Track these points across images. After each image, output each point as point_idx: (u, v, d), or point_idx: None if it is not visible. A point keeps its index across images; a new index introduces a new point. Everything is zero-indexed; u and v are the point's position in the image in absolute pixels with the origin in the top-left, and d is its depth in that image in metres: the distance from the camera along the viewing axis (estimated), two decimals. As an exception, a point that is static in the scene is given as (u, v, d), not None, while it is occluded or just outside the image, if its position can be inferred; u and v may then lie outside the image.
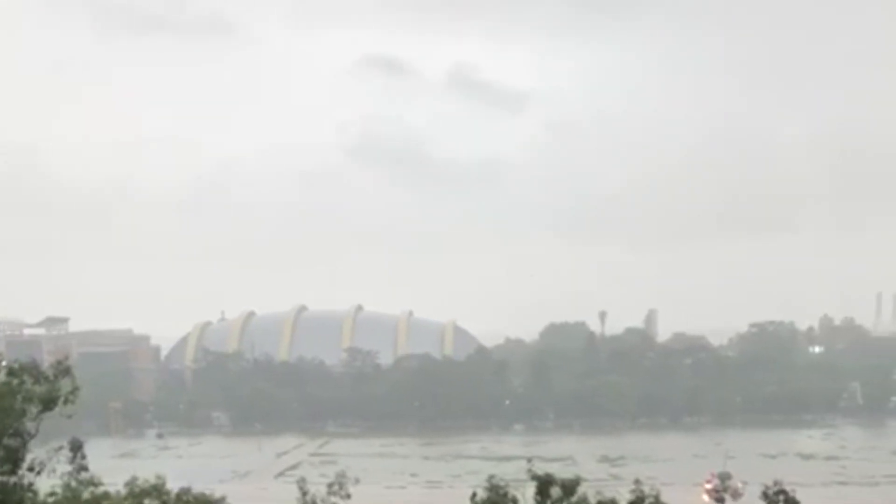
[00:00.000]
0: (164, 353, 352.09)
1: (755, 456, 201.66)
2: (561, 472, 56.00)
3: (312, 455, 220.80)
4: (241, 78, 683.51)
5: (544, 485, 53.25)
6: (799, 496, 59.76)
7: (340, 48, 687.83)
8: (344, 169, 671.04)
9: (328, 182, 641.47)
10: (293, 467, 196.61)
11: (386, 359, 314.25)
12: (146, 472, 57.69)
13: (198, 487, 60.63)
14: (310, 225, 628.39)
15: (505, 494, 53.27)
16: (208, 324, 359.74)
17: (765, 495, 59.44)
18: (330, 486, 57.93)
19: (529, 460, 56.48)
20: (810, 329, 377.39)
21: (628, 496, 55.47)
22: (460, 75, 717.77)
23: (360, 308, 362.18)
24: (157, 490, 57.03)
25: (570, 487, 53.49)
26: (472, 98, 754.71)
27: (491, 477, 54.45)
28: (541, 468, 53.47)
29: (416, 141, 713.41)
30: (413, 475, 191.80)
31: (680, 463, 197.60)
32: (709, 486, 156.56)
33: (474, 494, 53.85)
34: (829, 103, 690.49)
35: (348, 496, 57.86)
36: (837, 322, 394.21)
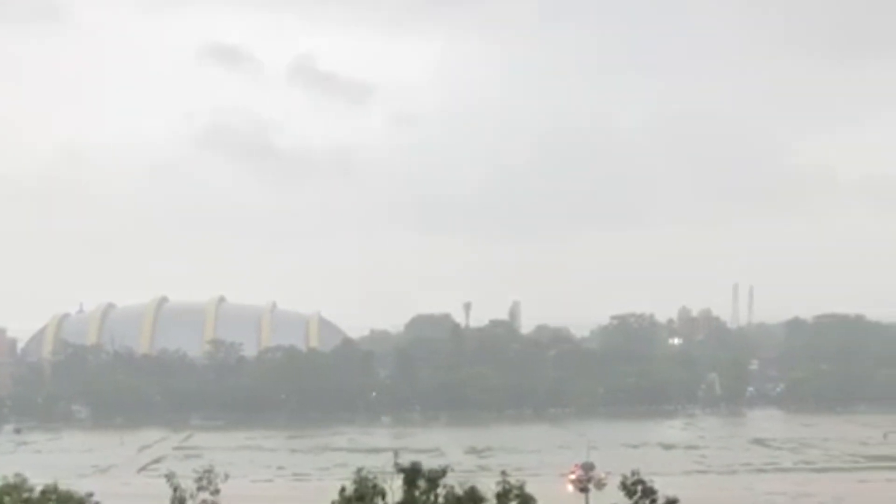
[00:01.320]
0: (20, 345, 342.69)
1: (618, 446, 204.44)
2: (428, 463, 55.69)
3: (176, 449, 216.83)
4: (82, 66, 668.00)
5: (410, 476, 52.99)
6: (661, 485, 60.48)
7: (182, 37, 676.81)
8: (195, 160, 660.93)
9: (180, 173, 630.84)
10: (157, 461, 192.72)
11: (250, 351, 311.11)
12: (3, 469, 55.30)
13: (58, 483, 58.52)
14: (165, 216, 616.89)
15: (373, 487, 52.82)
16: (66, 315, 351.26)
17: (623, 485, 60.17)
18: (199, 480, 56.65)
19: (396, 452, 56.06)
20: (670, 321, 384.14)
21: (495, 487, 55.39)
22: (305, 66, 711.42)
23: (222, 299, 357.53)
24: (18, 489, 54.97)
25: (435, 478, 53.29)
26: (318, 89, 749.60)
27: (359, 469, 53.95)
28: (408, 460, 53.09)
29: (264, 132, 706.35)
30: (280, 468, 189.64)
31: (545, 454, 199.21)
32: (573, 477, 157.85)
33: (343, 489, 53.20)
34: (685, 96, 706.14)
35: (217, 491, 56.68)
36: (695, 314, 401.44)
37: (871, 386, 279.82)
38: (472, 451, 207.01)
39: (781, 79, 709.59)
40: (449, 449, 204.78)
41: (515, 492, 55.88)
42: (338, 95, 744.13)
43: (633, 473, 60.40)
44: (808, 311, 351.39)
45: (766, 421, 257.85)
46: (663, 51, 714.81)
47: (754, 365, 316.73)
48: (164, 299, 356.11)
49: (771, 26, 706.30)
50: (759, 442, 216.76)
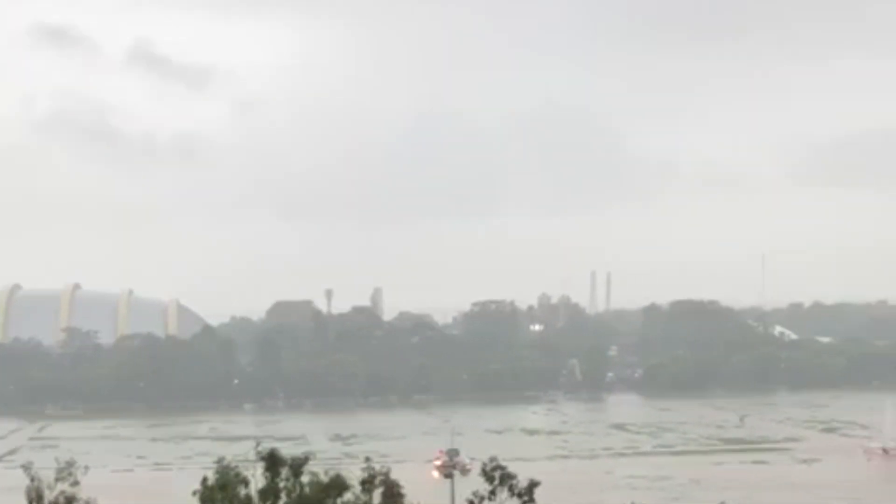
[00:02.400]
0: None
1: (482, 432, 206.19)
2: (293, 451, 55.16)
3: (32, 439, 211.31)
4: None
5: (273, 464, 52.41)
6: (525, 470, 61.12)
7: (14, 17, 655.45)
8: (37, 144, 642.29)
9: (22, 157, 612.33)
10: (11, 452, 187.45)
11: (107, 339, 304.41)
12: None
13: None
14: (11, 202, 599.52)
15: (236, 475, 52.00)
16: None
17: (483, 472, 60.58)
18: (60, 471, 54.90)
19: (258, 440, 55.48)
20: (530, 308, 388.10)
21: (360, 474, 55.15)
22: (146, 50, 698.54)
23: (77, 286, 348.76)
24: None
25: (298, 466, 52.80)
26: (161, 73, 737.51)
27: (220, 458, 52.96)
28: (272, 448, 52.42)
29: (106, 117, 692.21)
30: (140, 458, 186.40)
31: (410, 440, 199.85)
32: (438, 463, 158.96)
33: (205, 478, 52.25)
34: (539, 89, 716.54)
35: (76, 483, 54.98)
36: (555, 300, 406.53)
37: (726, 370, 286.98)
38: (337, 438, 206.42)
39: (630, 72, 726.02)
40: (314, 436, 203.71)
41: (380, 478, 55.79)
42: (182, 79, 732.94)
43: (492, 459, 61.14)
44: (663, 297, 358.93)
45: (625, 406, 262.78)
46: (519, 43, 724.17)
47: (613, 351, 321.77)
48: (16, 287, 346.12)
49: (619, 22, 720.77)
50: (619, 426, 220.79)
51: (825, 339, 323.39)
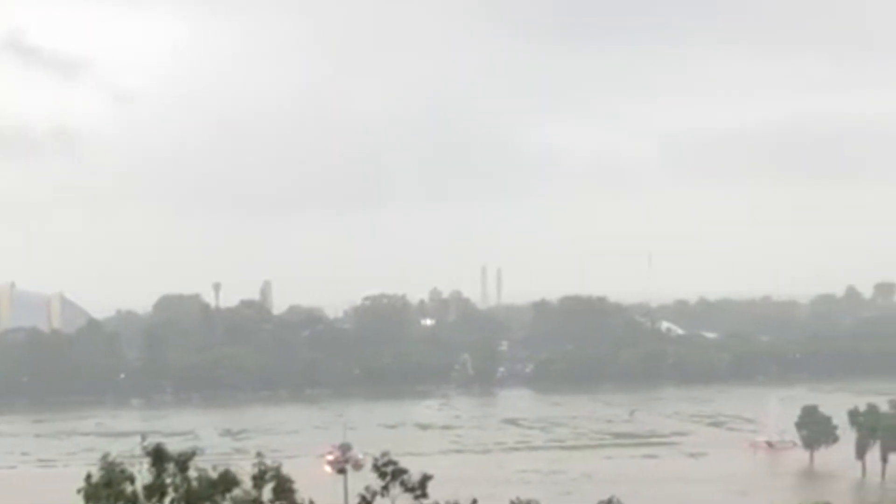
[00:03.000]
0: None
1: (375, 427, 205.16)
2: (182, 446, 53.79)
3: None
4: None
5: (159, 460, 51.17)
6: (418, 465, 60.63)
7: None
8: None
9: None
10: None
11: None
12: None
13: None
14: None
15: (121, 472, 50.66)
16: None
17: (375, 466, 60.24)
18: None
19: (144, 436, 54.18)
20: (421, 302, 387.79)
21: (251, 469, 54.19)
22: (17, 40, 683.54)
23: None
24: None
25: (184, 461, 51.64)
26: (35, 65, 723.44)
27: (106, 455, 51.52)
28: (161, 444, 51.18)
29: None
30: (24, 454, 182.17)
31: (303, 435, 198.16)
32: (330, 458, 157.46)
33: (89, 475, 50.73)
34: (425, 81, 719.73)
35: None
36: (446, 295, 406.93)
37: (615, 366, 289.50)
38: (228, 433, 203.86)
39: (517, 67, 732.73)
40: (204, 431, 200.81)
41: (271, 473, 55.02)
42: (60, 71, 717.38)
43: (384, 454, 60.86)
44: (553, 292, 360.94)
45: (517, 400, 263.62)
46: (406, 37, 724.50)
47: (504, 346, 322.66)
48: None
49: (508, 18, 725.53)
50: (511, 421, 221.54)
51: (711, 335, 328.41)
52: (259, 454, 56.89)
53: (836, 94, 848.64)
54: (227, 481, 52.81)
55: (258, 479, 54.67)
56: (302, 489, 57.91)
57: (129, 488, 50.73)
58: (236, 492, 53.01)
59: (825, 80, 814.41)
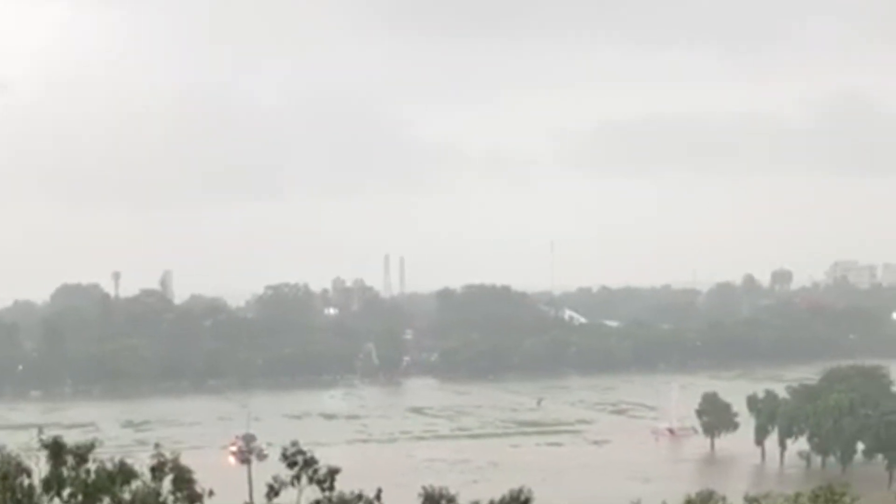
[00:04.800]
0: None
1: (280, 417, 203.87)
2: (82, 438, 52.52)
3: None
4: None
5: (56, 452, 49.94)
6: (324, 455, 60.04)
7: None
8: None
9: None
10: None
11: None
12: None
13: None
14: None
15: (17, 465, 49.31)
16: None
17: (284, 456, 59.43)
18: None
19: (41, 428, 52.78)
20: (324, 291, 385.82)
21: (150, 461, 53.15)
22: None
23: None
24: None
25: (83, 454, 50.41)
26: None
27: (2, 447, 50.24)
28: (61, 436, 50.13)
29: None
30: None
31: (206, 426, 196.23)
32: (234, 449, 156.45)
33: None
34: (322, 72, 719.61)
35: None
36: (350, 284, 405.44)
37: (519, 354, 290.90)
38: (129, 424, 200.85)
39: (412, 59, 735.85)
40: (104, 423, 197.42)
41: (170, 465, 53.97)
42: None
43: (293, 444, 60.12)
44: (457, 281, 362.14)
45: (422, 389, 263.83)
46: (299, 27, 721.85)
47: (409, 334, 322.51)
48: None
49: (402, 7, 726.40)
50: (417, 410, 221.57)
51: (613, 323, 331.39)
52: (157, 445, 55.59)
53: (725, 86, 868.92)
54: (125, 473, 51.78)
55: (157, 471, 53.66)
56: (205, 480, 56.99)
57: (25, 482, 49.46)
58: (135, 484, 51.97)
59: (713, 72, 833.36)
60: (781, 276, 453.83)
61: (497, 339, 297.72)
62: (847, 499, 59.21)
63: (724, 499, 60.53)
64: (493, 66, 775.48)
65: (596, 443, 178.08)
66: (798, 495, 59.50)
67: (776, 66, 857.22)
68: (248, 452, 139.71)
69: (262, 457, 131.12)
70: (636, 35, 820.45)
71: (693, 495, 61.33)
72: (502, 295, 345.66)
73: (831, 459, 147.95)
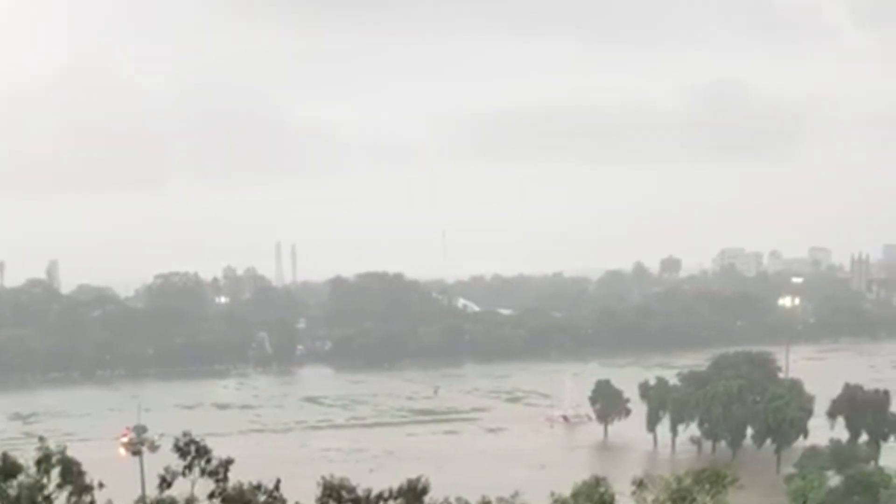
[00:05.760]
0: None
1: (172, 407, 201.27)
2: None
3: None
4: None
5: None
6: (218, 445, 59.57)
7: None
8: None
9: None
10: None
11: None
12: None
13: None
14: None
15: None
16: None
17: (176, 447, 58.89)
18: None
19: None
20: (215, 280, 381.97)
21: (36, 454, 52.21)
22: None
23: None
24: None
25: None
26: None
27: None
28: None
29: None
30: None
31: (96, 417, 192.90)
32: (125, 440, 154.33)
33: None
34: (203, 63, 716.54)
35: None
36: (241, 273, 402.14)
37: (413, 342, 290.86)
38: (17, 417, 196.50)
39: (295, 47, 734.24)
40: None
41: (57, 457, 53.04)
42: None
43: (185, 434, 59.64)
44: (349, 269, 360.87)
45: (317, 378, 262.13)
46: (180, 15, 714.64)
47: (302, 323, 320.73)
48: None
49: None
50: (311, 399, 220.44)
51: (506, 311, 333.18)
52: (41, 438, 54.90)
53: (605, 76, 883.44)
54: (10, 467, 50.73)
55: (42, 464, 52.70)
56: (96, 473, 56.05)
57: None
58: (21, 478, 50.94)
59: (591, 62, 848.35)
60: (670, 264, 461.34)
61: (391, 327, 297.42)
62: (728, 479, 60.52)
63: (609, 485, 61.26)
64: (373, 55, 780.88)
65: (492, 431, 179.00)
66: (681, 478, 60.55)
67: (655, 55, 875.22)
68: (139, 444, 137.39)
69: (154, 448, 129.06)
70: (512, 24, 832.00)
71: (582, 482, 61.91)
72: (395, 283, 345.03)
73: (722, 445, 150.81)
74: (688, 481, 60.80)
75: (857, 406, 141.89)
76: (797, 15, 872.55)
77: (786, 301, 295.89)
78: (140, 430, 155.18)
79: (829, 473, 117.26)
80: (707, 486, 60.47)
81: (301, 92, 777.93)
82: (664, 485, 60.90)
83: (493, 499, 61.71)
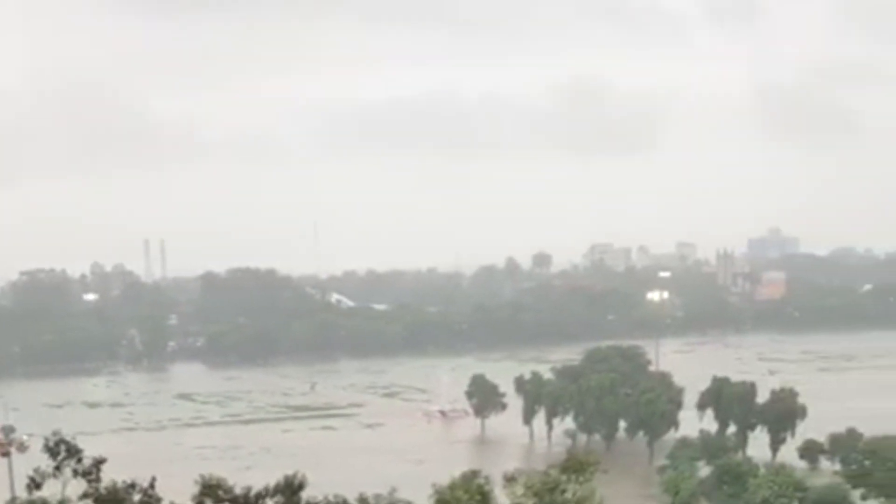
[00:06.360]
0: None
1: (40, 407, 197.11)
2: None
3: None
4: None
5: None
6: (90, 444, 58.80)
7: None
8: None
9: None
10: None
11: None
12: None
13: None
14: None
15: None
16: None
17: (47, 447, 58.08)
18: None
19: None
20: (83, 276, 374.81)
21: None
22: None
23: None
24: None
25: None
26: None
27: None
28: None
29: None
30: None
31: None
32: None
33: None
34: (59, 54, 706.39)
35: None
36: (109, 269, 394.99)
37: (287, 338, 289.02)
38: None
39: (154, 39, 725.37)
40: None
41: None
42: None
43: (55, 434, 58.80)
44: (220, 265, 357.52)
45: (190, 375, 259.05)
46: (37, 7, 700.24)
47: (173, 319, 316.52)
48: None
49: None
50: (185, 396, 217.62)
51: (381, 307, 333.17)
52: None
53: (469, 69, 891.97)
54: None
55: None
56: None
57: None
58: None
59: (454, 55, 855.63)
60: (542, 260, 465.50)
61: (264, 323, 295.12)
62: (592, 467, 61.70)
63: (487, 478, 61.92)
64: (236, 48, 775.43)
65: (369, 426, 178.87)
66: (547, 470, 61.59)
67: (516, 49, 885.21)
68: (7, 445, 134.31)
69: (23, 449, 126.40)
70: (375, 16, 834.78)
71: (460, 475, 62.48)
72: (267, 278, 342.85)
73: (596, 437, 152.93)
74: (554, 472, 61.83)
75: (724, 398, 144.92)
76: (651, 11, 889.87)
77: (654, 295, 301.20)
78: (8, 430, 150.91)
79: (700, 464, 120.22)
80: (574, 476, 61.54)
81: (165, 86, 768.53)
82: (530, 478, 61.74)
83: (370, 494, 61.87)
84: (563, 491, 61.61)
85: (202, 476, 59.19)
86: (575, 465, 62.20)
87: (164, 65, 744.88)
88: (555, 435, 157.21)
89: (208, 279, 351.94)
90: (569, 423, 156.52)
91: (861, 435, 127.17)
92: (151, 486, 59.57)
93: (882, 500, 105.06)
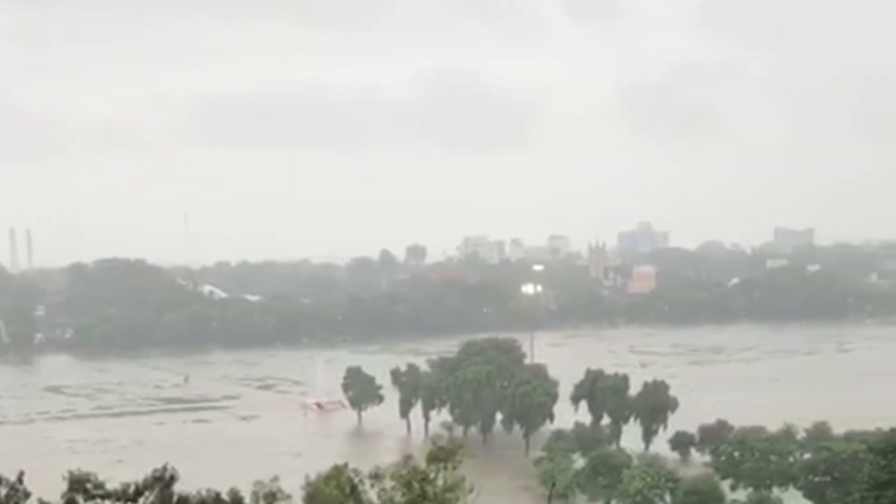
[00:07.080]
0: None
1: None
2: None
3: None
4: None
5: None
6: None
7: None
8: None
9: None
10: None
11: None
12: None
13: None
14: None
15: None
16: None
17: None
18: None
19: None
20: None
21: None
22: None
23: None
24: None
25: None
26: None
27: None
28: None
29: None
30: None
31: None
32: None
33: None
34: None
35: None
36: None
37: (158, 329, 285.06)
38: None
39: (15, 33, 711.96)
40: None
41: None
42: None
43: None
44: (89, 256, 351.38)
45: (58, 367, 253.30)
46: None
47: (40, 311, 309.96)
48: None
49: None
50: (53, 389, 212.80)
51: (254, 298, 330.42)
52: None
53: (350, 66, 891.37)
54: None
55: None
56: None
57: None
58: None
59: (319, 47, 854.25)
60: (416, 251, 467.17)
61: (134, 314, 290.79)
62: (459, 456, 62.11)
63: (355, 471, 61.84)
64: (98, 39, 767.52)
65: (244, 419, 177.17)
66: (406, 461, 61.80)
67: (384, 43, 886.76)
68: None
69: None
70: (241, 8, 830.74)
71: (332, 468, 62.27)
72: (137, 269, 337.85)
73: (473, 430, 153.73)
74: (422, 463, 62.08)
75: (598, 390, 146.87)
76: (517, 7, 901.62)
77: (528, 288, 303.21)
78: None
79: (575, 456, 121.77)
80: (441, 465, 61.89)
81: (26, 76, 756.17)
82: (397, 471, 61.74)
83: (245, 487, 61.09)
84: (432, 480, 61.80)
85: (70, 472, 57.56)
86: (441, 455, 62.48)
87: (32, 55, 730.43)
88: (432, 427, 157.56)
89: (76, 270, 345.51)
90: (445, 415, 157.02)
91: (731, 426, 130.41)
92: (19, 480, 57.77)
93: (750, 490, 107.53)
